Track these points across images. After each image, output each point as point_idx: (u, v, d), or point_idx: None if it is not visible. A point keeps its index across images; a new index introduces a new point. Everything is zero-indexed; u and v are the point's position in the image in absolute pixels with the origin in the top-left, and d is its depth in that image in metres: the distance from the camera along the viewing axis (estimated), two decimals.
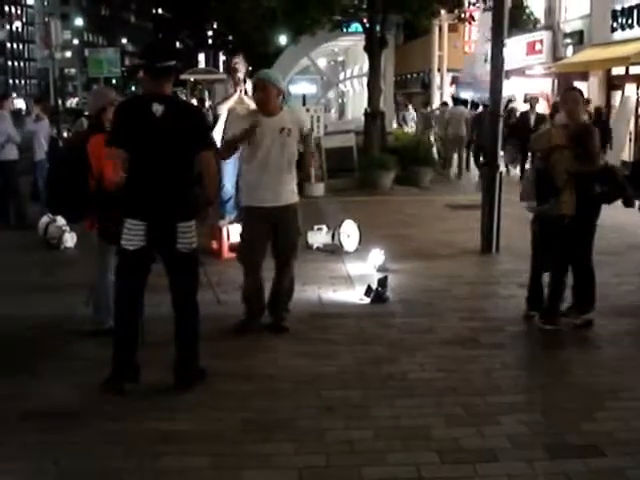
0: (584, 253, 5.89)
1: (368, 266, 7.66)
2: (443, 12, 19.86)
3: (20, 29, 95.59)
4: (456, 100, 20.04)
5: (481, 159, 16.45)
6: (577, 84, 17.11)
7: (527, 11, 23.84)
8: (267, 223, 5.61)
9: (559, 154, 5.68)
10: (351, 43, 22.46)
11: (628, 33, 18.81)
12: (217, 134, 8.09)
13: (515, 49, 22.86)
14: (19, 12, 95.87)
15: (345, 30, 20.71)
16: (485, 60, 24.99)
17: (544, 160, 5.79)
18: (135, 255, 4.55)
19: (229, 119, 8.25)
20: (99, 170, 5.32)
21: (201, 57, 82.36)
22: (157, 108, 4.48)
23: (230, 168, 8.24)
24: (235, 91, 8.73)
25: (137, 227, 4.51)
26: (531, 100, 17.08)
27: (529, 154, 13.69)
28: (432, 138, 19.52)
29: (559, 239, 5.76)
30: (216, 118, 8.83)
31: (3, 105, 10.92)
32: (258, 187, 5.60)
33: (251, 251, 5.72)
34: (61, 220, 8.75)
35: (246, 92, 8.63)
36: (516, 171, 16.19)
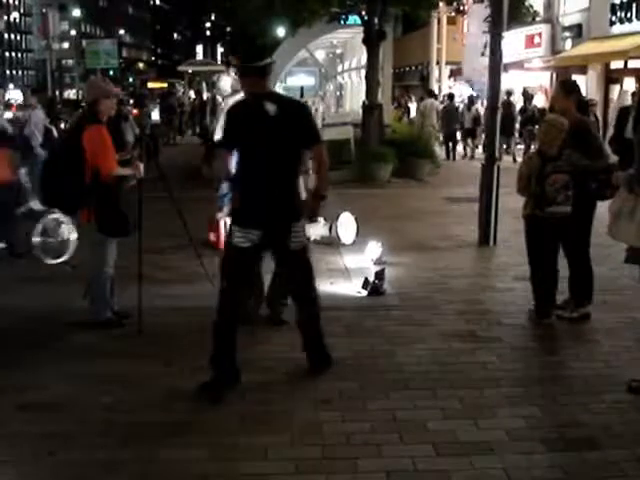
0: (581, 247, 5.89)
1: (365, 259, 7.65)
2: (442, 4, 19.80)
3: (17, 20, 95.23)
4: (430, 93, 21.17)
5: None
6: (575, 78, 17.11)
7: (526, 4, 23.79)
8: None
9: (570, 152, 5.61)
10: (349, 36, 22.39)
11: (627, 27, 18.81)
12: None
13: (514, 42, 22.83)
14: (17, 3, 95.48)
15: (343, 22, 20.62)
16: (483, 54, 25.10)
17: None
18: (247, 252, 4.46)
19: None
20: (95, 161, 5.30)
21: (199, 49, 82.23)
22: (270, 107, 4.42)
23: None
24: None
25: (251, 233, 4.44)
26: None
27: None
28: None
29: (556, 237, 5.76)
30: (214, 110, 8.80)
31: None
32: None
33: None
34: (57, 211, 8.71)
35: None
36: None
